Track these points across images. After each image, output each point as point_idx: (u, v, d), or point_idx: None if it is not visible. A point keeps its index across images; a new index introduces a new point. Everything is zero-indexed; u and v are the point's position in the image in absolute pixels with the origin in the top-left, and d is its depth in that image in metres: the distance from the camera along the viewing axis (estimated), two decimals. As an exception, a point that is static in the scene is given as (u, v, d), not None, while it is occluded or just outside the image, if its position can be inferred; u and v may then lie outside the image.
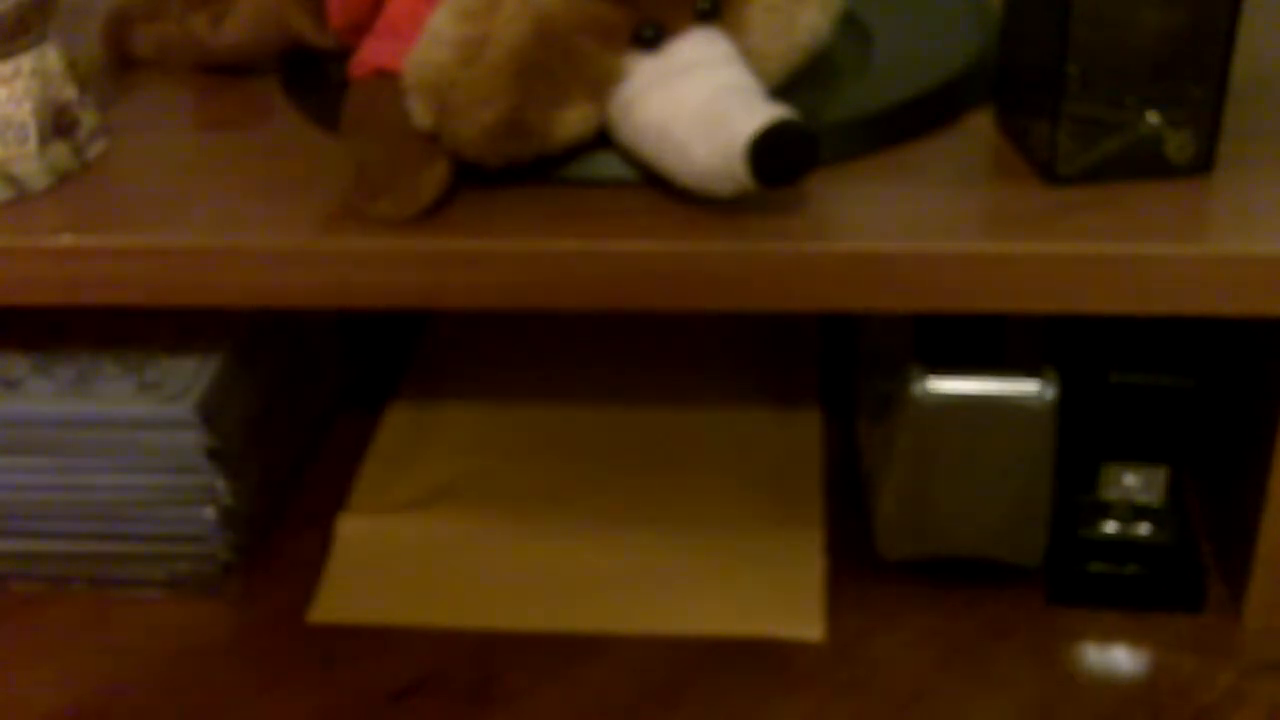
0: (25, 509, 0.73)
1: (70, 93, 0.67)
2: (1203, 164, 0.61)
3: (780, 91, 0.63)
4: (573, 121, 0.61)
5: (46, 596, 0.75)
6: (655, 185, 0.61)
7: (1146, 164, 0.61)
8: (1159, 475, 0.70)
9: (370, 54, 0.64)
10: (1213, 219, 0.60)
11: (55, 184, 0.66)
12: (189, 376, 0.72)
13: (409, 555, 0.76)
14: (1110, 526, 0.71)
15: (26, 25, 0.64)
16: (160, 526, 0.73)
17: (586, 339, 0.92)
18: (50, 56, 0.66)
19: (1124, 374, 0.67)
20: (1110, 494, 0.70)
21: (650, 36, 0.60)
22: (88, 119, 0.68)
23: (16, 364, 0.73)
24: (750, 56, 0.62)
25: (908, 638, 0.70)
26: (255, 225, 0.62)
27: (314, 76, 0.73)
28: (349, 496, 0.80)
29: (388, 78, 0.62)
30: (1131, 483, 0.70)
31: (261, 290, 0.62)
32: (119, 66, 0.78)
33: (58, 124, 0.66)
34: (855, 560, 0.74)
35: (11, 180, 0.65)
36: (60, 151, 0.66)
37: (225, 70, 0.76)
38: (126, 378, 0.72)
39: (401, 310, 0.70)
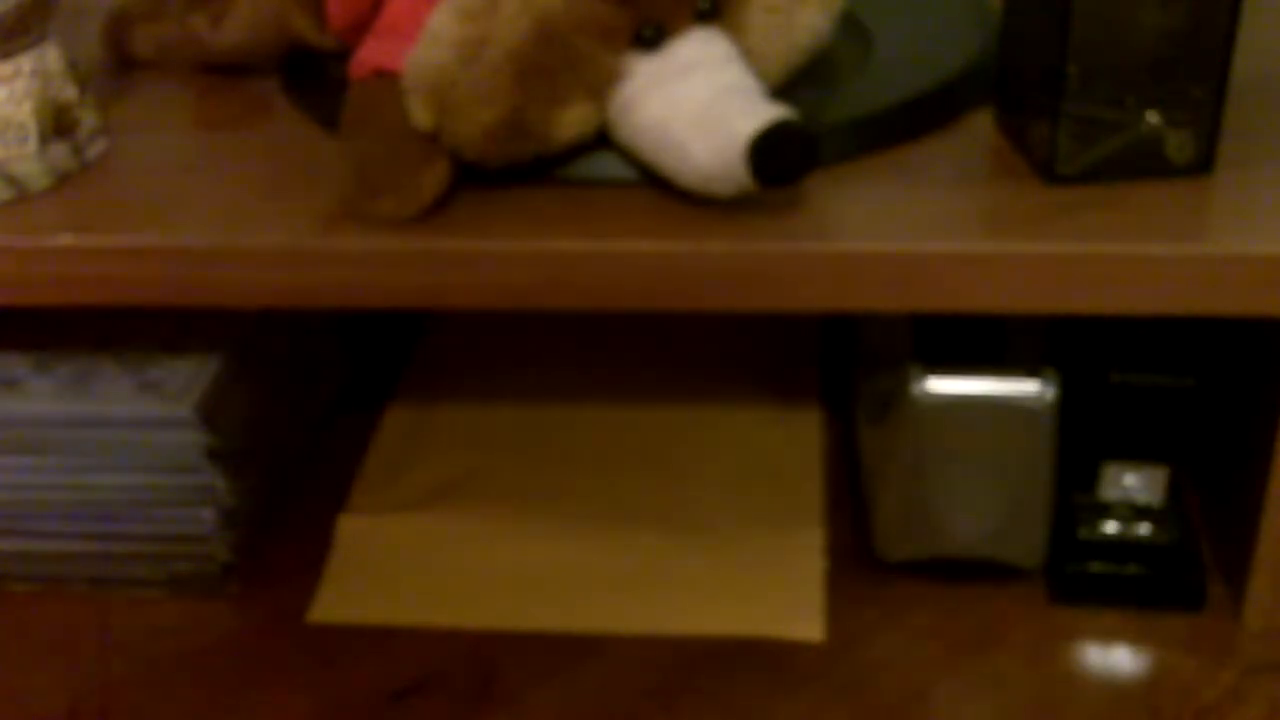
0: (25, 509, 0.73)
1: (70, 93, 0.67)
2: (1203, 164, 0.61)
3: (780, 91, 0.63)
4: (573, 122, 0.61)
5: (46, 596, 0.75)
6: (655, 185, 0.61)
7: (1146, 164, 0.61)
8: (1159, 475, 0.70)
9: (370, 54, 0.64)
10: (1213, 219, 0.60)
11: (55, 184, 0.66)
12: (189, 376, 0.72)
13: (409, 555, 0.76)
14: (1110, 526, 0.71)
15: (26, 25, 0.64)
16: (160, 526, 0.73)
17: (586, 339, 0.92)
18: (50, 56, 0.66)
19: (1124, 374, 0.67)
20: (1110, 494, 0.70)
21: (650, 36, 0.60)
22: (88, 119, 0.68)
23: (16, 364, 0.73)
24: (750, 57, 0.62)
25: (908, 638, 0.70)
26: (255, 225, 0.62)
27: (314, 76, 0.73)
28: (349, 496, 0.80)
29: (388, 78, 0.62)
30: (1131, 483, 0.70)
31: (261, 290, 0.62)
32: (119, 66, 0.78)
33: (58, 124, 0.66)
34: (855, 560, 0.74)
35: (11, 180, 0.65)
36: (60, 151, 0.66)
37: (225, 70, 0.76)
38: (126, 378, 0.72)
39: (401, 310, 0.70)
